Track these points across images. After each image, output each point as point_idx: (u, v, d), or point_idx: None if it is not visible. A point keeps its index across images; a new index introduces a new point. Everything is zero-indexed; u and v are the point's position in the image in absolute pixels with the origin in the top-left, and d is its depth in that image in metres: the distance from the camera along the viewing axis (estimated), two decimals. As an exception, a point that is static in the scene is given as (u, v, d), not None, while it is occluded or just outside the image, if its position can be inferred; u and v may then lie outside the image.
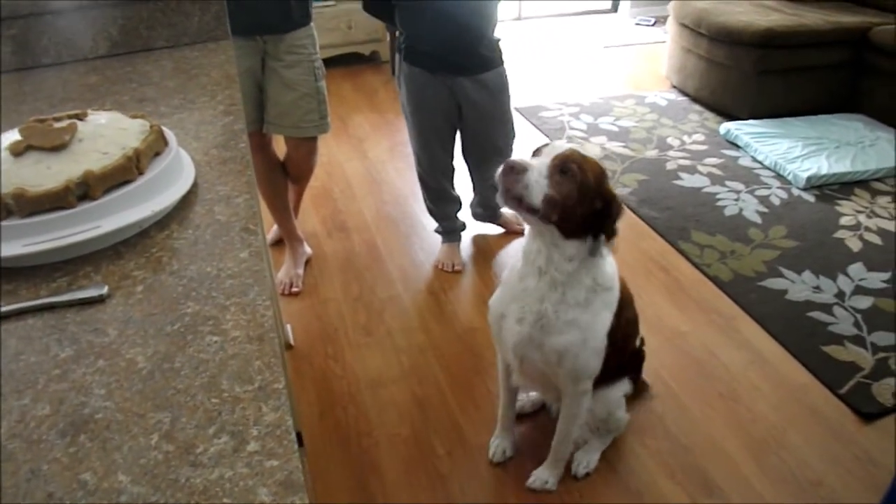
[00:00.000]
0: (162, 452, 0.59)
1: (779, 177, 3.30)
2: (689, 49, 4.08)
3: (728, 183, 3.26)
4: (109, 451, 0.59)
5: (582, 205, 1.39)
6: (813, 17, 3.73)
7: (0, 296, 0.79)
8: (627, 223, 1.47)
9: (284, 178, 2.58)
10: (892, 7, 3.81)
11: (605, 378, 1.71)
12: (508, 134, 2.58)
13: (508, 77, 2.49)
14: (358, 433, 2.01)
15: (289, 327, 2.38)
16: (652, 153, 3.55)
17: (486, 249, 2.86)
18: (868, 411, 2.03)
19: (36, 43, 1.46)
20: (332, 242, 2.89)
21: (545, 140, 3.60)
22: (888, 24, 3.63)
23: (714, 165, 3.41)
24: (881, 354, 2.23)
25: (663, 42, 4.58)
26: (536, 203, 1.37)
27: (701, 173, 3.34)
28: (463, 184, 2.79)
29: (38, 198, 0.83)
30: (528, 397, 2.06)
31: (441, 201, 2.72)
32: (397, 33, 2.50)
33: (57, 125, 0.93)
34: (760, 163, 3.42)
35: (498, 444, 1.92)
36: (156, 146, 0.96)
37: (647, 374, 2.03)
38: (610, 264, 1.55)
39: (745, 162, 3.44)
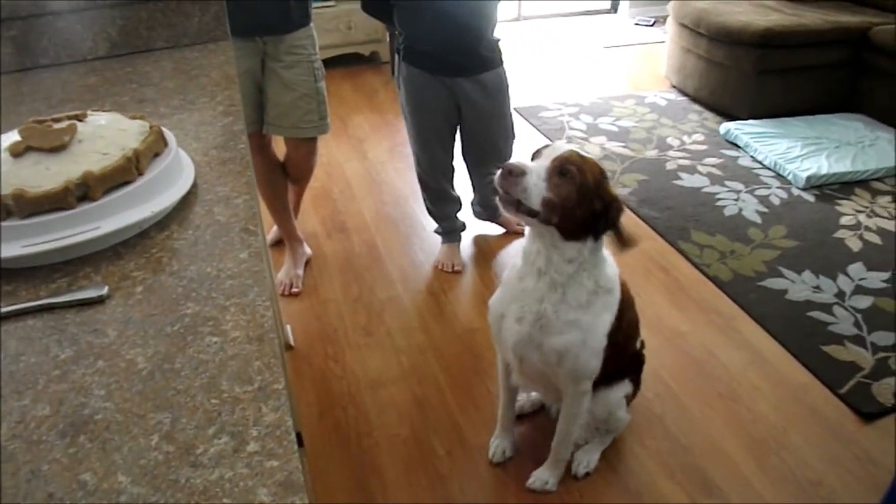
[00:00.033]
0: (162, 453, 0.59)
1: (778, 176, 3.30)
2: (688, 49, 4.08)
3: (728, 183, 3.26)
4: (109, 452, 0.59)
5: (581, 207, 1.38)
6: (812, 17, 3.73)
7: (0, 296, 0.79)
8: (627, 223, 1.47)
9: (284, 179, 2.58)
10: (892, 7, 3.81)
11: (606, 379, 1.71)
12: (508, 134, 2.59)
13: (508, 77, 2.49)
14: (358, 433, 2.01)
15: (289, 328, 2.38)
16: (652, 153, 3.55)
17: (486, 250, 2.86)
18: (868, 411, 2.04)
19: (35, 44, 1.46)
20: (331, 243, 2.89)
21: (545, 140, 3.61)
22: (888, 23, 3.63)
23: (714, 165, 3.41)
24: (881, 354, 2.24)
25: (663, 42, 4.58)
26: (535, 206, 1.37)
27: (701, 173, 3.34)
28: (463, 184, 2.79)
29: (38, 199, 0.83)
30: (528, 397, 2.06)
31: (441, 202, 2.72)
32: (397, 34, 2.50)
33: (56, 126, 0.93)
34: (760, 163, 3.42)
35: (498, 445, 1.92)
36: (155, 147, 0.96)
37: (647, 374, 2.03)
38: (611, 266, 1.55)
39: (744, 162, 3.44)
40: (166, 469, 0.58)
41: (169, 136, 1.01)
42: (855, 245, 2.79)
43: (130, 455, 0.59)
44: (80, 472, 0.58)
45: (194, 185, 0.98)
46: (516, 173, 1.35)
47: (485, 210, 2.84)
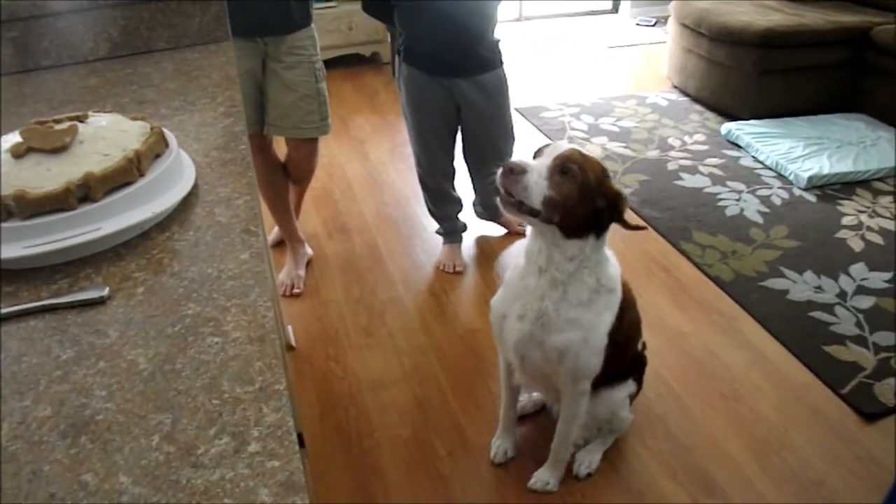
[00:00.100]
0: (163, 453, 0.59)
1: (780, 177, 3.30)
2: (689, 49, 4.08)
3: (729, 183, 3.26)
4: (110, 453, 0.59)
5: (583, 205, 1.39)
6: (813, 17, 3.72)
7: (1, 297, 0.79)
8: (630, 221, 1.47)
9: (285, 180, 2.58)
10: (893, 6, 3.81)
11: (608, 379, 1.71)
12: (508, 135, 2.58)
13: (508, 78, 2.49)
14: (359, 434, 2.01)
15: (290, 328, 2.38)
16: (653, 153, 3.54)
17: (487, 250, 2.86)
18: (870, 411, 2.03)
19: (36, 45, 1.46)
20: (333, 244, 2.89)
21: (546, 141, 3.60)
22: (889, 23, 3.63)
23: (715, 166, 3.41)
24: (883, 354, 2.23)
25: (664, 42, 4.57)
26: (536, 205, 1.37)
27: (702, 173, 3.34)
28: (464, 184, 2.79)
29: (39, 200, 0.83)
30: (530, 398, 2.06)
31: (441, 202, 2.72)
32: (397, 34, 2.50)
33: (57, 127, 0.93)
34: (762, 163, 3.41)
35: (499, 445, 1.91)
36: (156, 148, 0.96)
37: (649, 374, 2.03)
38: (613, 266, 1.56)
39: (746, 162, 3.44)
40: (167, 469, 0.58)
41: (170, 137, 1.01)
42: (857, 245, 2.79)
43: (132, 455, 0.59)
44: (81, 472, 0.58)
45: (195, 186, 0.98)
46: (517, 171, 1.35)
47: (486, 210, 2.84)
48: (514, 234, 2.90)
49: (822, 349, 2.26)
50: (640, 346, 1.86)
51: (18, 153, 0.89)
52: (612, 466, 1.89)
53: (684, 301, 2.51)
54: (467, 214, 2.84)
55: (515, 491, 1.84)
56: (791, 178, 3.24)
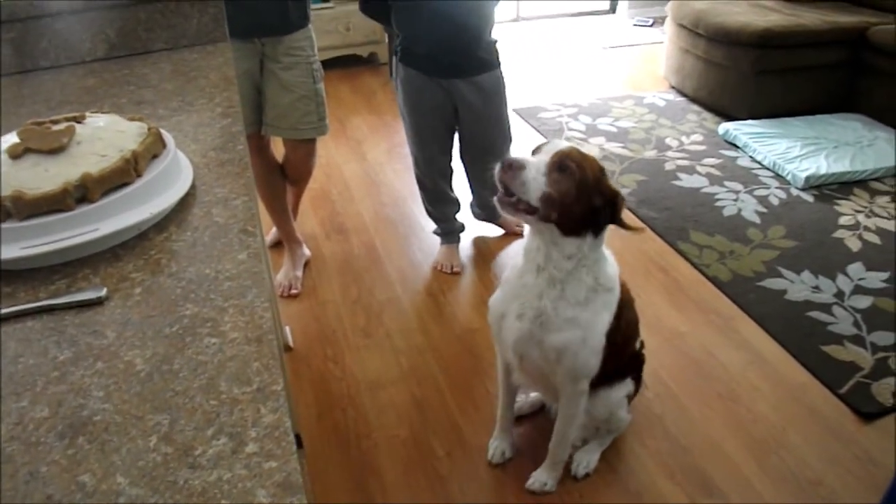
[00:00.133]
0: (160, 454, 0.59)
1: (777, 177, 3.30)
2: (687, 49, 4.09)
3: (727, 183, 3.26)
4: (108, 453, 0.59)
5: (580, 202, 1.39)
6: (810, 17, 3.73)
7: (-2, 298, 0.79)
8: (627, 220, 1.47)
9: (283, 180, 2.58)
10: (890, 7, 3.82)
11: (606, 379, 1.71)
12: (505, 136, 2.58)
13: (505, 79, 2.49)
14: (357, 435, 2.01)
15: (288, 329, 2.38)
16: (650, 154, 3.55)
17: (485, 251, 2.86)
18: (868, 411, 2.04)
19: (34, 46, 1.46)
20: (330, 244, 2.89)
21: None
22: (886, 23, 3.63)
23: (713, 166, 3.42)
24: (881, 354, 2.24)
25: (661, 43, 4.58)
26: (533, 201, 1.37)
27: (700, 174, 3.34)
28: (462, 185, 2.79)
29: (37, 200, 0.83)
30: (527, 398, 2.06)
31: (439, 203, 2.72)
32: (395, 35, 2.50)
33: (55, 128, 0.93)
34: (759, 163, 3.42)
35: (497, 446, 1.91)
36: (154, 148, 0.96)
37: (646, 374, 2.03)
38: (612, 265, 1.56)
39: (743, 162, 3.44)
40: (165, 470, 0.58)
41: (167, 137, 1.01)
42: (854, 245, 2.79)
43: (129, 456, 0.59)
44: (78, 473, 0.58)
45: (193, 187, 0.98)
46: (516, 167, 1.36)
47: (484, 211, 2.84)
48: (511, 235, 2.90)
49: (819, 349, 2.26)
50: (637, 345, 1.86)
51: (16, 154, 0.89)
52: (610, 467, 1.90)
53: (682, 301, 2.51)
54: (465, 215, 2.84)
55: (513, 491, 1.84)
56: (788, 178, 3.25)
